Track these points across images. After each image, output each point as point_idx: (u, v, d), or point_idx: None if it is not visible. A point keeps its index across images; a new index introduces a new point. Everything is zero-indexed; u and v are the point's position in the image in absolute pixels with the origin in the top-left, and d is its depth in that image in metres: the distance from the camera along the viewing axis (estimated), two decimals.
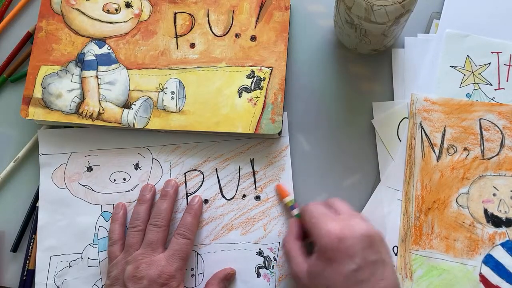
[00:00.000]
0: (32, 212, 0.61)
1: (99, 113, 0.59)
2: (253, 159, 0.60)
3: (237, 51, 0.60)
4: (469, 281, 0.55)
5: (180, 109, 0.59)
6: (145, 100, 0.59)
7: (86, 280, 0.59)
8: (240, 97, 0.58)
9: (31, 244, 0.60)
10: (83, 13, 0.62)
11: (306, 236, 0.55)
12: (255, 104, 0.58)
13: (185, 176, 0.60)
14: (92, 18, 0.62)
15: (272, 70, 0.59)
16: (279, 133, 0.59)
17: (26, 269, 0.59)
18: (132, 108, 0.59)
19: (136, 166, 0.60)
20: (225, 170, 0.60)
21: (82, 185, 0.60)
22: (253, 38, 0.60)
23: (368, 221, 0.51)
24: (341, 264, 0.47)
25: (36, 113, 0.59)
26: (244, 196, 0.59)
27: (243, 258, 0.58)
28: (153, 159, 0.60)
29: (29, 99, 0.60)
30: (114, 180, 0.60)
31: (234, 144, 0.60)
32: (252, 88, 0.59)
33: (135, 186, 0.60)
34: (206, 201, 0.59)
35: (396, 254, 0.56)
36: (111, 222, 0.59)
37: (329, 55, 0.62)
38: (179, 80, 0.60)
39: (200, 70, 0.60)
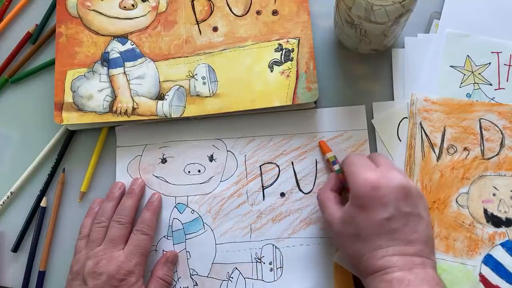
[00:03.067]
0: (35, 212, 0.61)
1: (134, 108, 0.59)
2: None
3: (261, 28, 0.61)
4: (469, 281, 0.55)
5: (214, 92, 0.59)
6: (178, 89, 0.59)
7: None
8: (271, 71, 0.59)
9: (36, 244, 0.60)
10: (101, 13, 0.62)
11: (344, 190, 0.56)
12: (288, 75, 0.59)
13: (260, 168, 0.60)
14: (110, 17, 0.62)
15: (299, 40, 0.60)
16: (315, 102, 0.59)
17: (38, 270, 0.59)
18: (166, 99, 0.59)
19: (211, 158, 0.60)
20: (301, 164, 0.59)
21: (157, 177, 0.60)
22: (274, 12, 0.61)
23: (407, 176, 0.51)
24: (374, 212, 0.47)
25: (71, 118, 0.59)
26: None
27: (324, 253, 0.57)
28: (227, 151, 0.60)
29: (61, 105, 0.59)
30: (189, 172, 0.60)
31: (310, 138, 0.60)
32: (283, 61, 0.59)
33: (210, 178, 0.60)
34: (283, 194, 0.59)
35: None
36: (85, 216, 0.58)
37: (329, 55, 0.62)
38: (208, 64, 0.60)
39: (227, 52, 0.60)
